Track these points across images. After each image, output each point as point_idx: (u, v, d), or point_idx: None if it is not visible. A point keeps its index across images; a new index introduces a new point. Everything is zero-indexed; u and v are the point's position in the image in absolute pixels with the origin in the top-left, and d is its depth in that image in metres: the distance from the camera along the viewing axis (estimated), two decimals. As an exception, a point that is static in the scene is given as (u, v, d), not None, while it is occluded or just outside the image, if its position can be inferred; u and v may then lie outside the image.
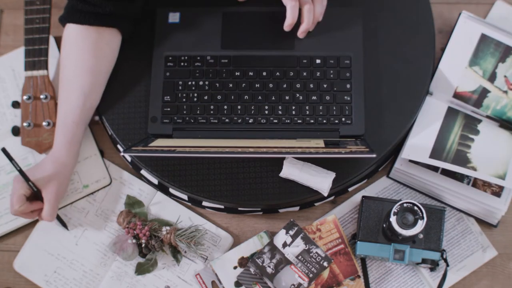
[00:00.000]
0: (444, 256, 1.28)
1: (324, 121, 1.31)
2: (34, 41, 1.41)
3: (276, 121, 1.32)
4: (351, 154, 1.17)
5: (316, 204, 1.37)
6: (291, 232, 1.31)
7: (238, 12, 1.36)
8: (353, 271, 1.31)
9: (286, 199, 1.30)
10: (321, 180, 1.28)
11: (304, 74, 1.34)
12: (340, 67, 1.34)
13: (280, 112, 1.32)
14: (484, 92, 1.37)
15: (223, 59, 1.34)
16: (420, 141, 1.33)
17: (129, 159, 1.37)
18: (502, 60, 1.37)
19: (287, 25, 1.32)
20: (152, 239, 1.31)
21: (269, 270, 1.29)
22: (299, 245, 1.30)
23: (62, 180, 1.30)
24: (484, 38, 1.38)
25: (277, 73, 1.34)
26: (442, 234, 1.28)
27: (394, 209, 1.24)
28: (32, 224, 1.37)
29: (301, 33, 1.34)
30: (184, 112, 1.32)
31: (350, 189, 1.37)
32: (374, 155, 1.16)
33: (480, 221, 1.35)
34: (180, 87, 1.33)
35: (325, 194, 1.28)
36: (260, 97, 1.33)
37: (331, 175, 1.29)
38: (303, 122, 1.31)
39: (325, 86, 1.33)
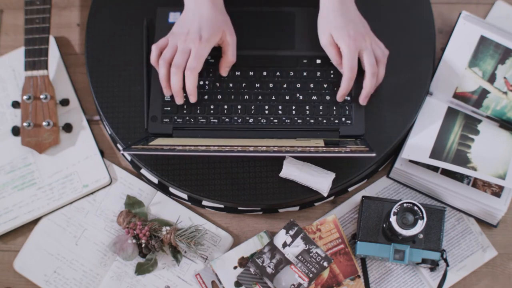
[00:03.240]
0: (444, 256, 1.28)
1: (324, 121, 1.31)
2: (34, 41, 1.41)
3: (276, 121, 1.32)
4: (351, 153, 1.17)
5: (316, 204, 1.37)
6: (291, 232, 1.31)
7: (238, 12, 1.36)
8: (353, 271, 1.31)
9: (286, 199, 1.30)
10: (321, 181, 1.28)
11: (305, 74, 1.34)
12: (340, 67, 1.34)
13: (280, 112, 1.32)
14: (484, 93, 1.37)
15: (223, 58, 1.34)
16: (420, 141, 1.33)
17: (128, 158, 1.37)
18: (502, 61, 1.38)
19: (340, 96, 1.31)
20: (152, 239, 1.31)
21: (269, 270, 1.29)
22: (299, 245, 1.30)
23: None
24: (483, 40, 1.38)
25: (278, 73, 1.34)
26: (442, 234, 1.28)
27: (394, 209, 1.24)
28: (32, 224, 1.37)
29: (339, 96, 1.31)
30: (184, 111, 1.32)
31: (350, 189, 1.37)
32: (374, 154, 1.16)
33: (480, 221, 1.35)
34: (183, 93, 1.33)
35: (325, 195, 1.28)
36: (260, 97, 1.33)
37: (331, 175, 1.29)
38: (303, 122, 1.31)
39: (325, 86, 1.33)
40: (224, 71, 1.33)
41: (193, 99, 1.30)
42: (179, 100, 1.30)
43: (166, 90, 1.30)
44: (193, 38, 1.26)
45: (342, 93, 1.30)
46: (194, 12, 1.28)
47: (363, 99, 1.30)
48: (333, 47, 1.29)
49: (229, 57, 1.31)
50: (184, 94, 1.31)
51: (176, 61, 1.26)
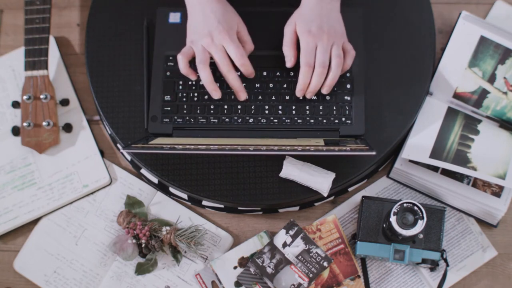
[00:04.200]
0: (444, 256, 1.28)
1: (324, 121, 1.31)
2: (34, 41, 1.41)
3: (276, 121, 1.32)
4: (351, 152, 1.17)
5: (316, 204, 1.37)
6: (291, 232, 1.31)
7: (238, 12, 1.36)
8: (353, 271, 1.31)
9: (286, 199, 1.30)
10: (321, 181, 1.28)
11: (304, 74, 1.34)
12: (340, 67, 1.34)
13: (280, 112, 1.32)
14: (484, 93, 1.37)
15: (223, 58, 1.34)
16: (420, 141, 1.33)
17: (128, 157, 1.37)
18: (502, 62, 1.38)
19: (298, 91, 1.30)
20: (152, 239, 1.31)
21: (269, 270, 1.29)
22: (299, 245, 1.30)
23: None
24: (483, 40, 1.38)
25: (277, 73, 1.34)
26: (442, 234, 1.28)
27: (394, 209, 1.24)
28: (32, 224, 1.37)
29: (304, 92, 1.31)
30: (184, 111, 1.32)
31: (350, 189, 1.37)
32: (374, 153, 1.16)
33: (480, 221, 1.35)
34: (180, 87, 1.33)
35: (325, 195, 1.28)
36: (260, 97, 1.33)
37: (331, 175, 1.29)
38: (303, 122, 1.31)
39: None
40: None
41: (251, 74, 1.31)
42: (243, 96, 1.30)
43: (215, 93, 1.28)
44: (218, 34, 1.26)
45: (299, 88, 1.30)
46: (204, 12, 1.28)
47: (303, 93, 1.31)
48: (291, 32, 1.30)
49: (249, 45, 1.32)
50: (185, 94, 1.31)
51: (221, 62, 1.26)
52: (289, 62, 1.31)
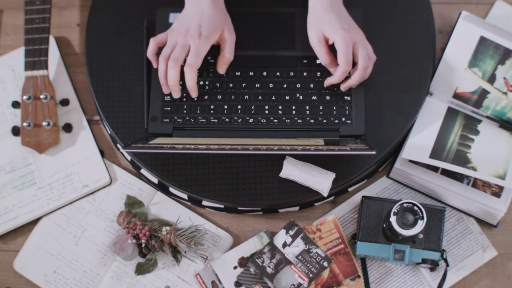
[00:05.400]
0: (444, 256, 1.28)
1: (324, 121, 1.31)
2: (34, 41, 1.41)
3: (276, 121, 1.32)
4: (351, 151, 1.17)
5: (316, 204, 1.37)
6: (291, 232, 1.31)
7: (238, 12, 1.36)
8: (353, 271, 1.31)
9: (286, 199, 1.30)
10: (321, 181, 1.28)
11: (305, 74, 1.34)
12: (340, 67, 1.34)
13: (280, 112, 1.32)
14: (483, 93, 1.37)
15: (223, 58, 1.34)
16: (420, 141, 1.33)
17: (128, 157, 1.37)
18: (502, 62, 1.38)
19: (328, 83, 1.32)
20: (152, 239, 1.31)
21: (269, 270, 1.29)
22: (299, 245, 1.30)
23: None
24: (483, 41, 1.38)
25: (277, 73, 1.34)
26: (442, 234, 1.28)
27: (394, 209, 1.24)
28: (32, 224, 1.37)
29: (327, 83, 1.32)
30: (184, 111, 1.32)
31: (350, 189, 1.37)
32: (374, 152, 1.16)
33: (480, 221, 1.35)
34: (180, 87, 1.33)
35: (325, 195, 1.28)
36: (260, 97, 1.33)
37: (331, 176, 1.29)
38: (303, 122, 1.31)
39: (325, 86, 1.33)
40: (221, 68, 1.32)
41: (194, 94, 1.30)
42: (176, 94, 1.31)
43: (165, 88, 1.30)
44: (192, 34, 1.26)
45: (329, 81, 1.31)
46: (194, 9, 1.29)
47: (344, 87, 1.31)
48: (322, 45, 1.28)
49: (226, 55, 1.31)
50: (185, 94, 1.32)
51: (174, 55, 1.26)
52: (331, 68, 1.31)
